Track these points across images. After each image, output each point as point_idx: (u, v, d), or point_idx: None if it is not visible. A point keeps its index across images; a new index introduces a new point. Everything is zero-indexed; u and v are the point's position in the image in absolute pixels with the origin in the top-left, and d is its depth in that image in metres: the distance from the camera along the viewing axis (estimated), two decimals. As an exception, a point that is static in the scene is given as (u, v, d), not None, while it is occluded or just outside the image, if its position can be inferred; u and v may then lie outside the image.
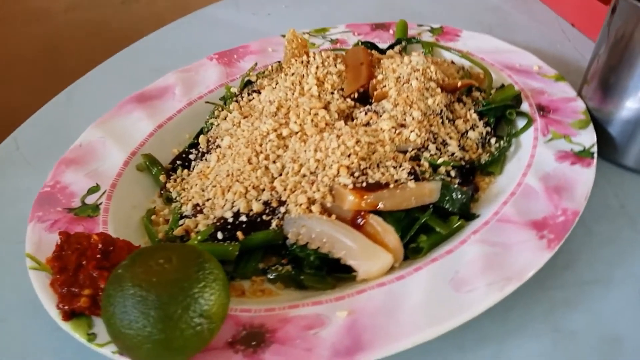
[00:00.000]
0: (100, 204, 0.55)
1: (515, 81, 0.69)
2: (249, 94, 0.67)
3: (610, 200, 0.59)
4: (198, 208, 0.54)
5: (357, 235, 0.49)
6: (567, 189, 0.54)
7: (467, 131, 0.62)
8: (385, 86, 0.63)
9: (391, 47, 0.77)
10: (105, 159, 0.60)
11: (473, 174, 0.59)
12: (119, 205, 0.56)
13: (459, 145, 0.60)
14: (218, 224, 0.51)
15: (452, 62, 0.73)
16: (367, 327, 0.43)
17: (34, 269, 0.48)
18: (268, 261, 0.52)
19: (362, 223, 0.50)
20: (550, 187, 0.54)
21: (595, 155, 0.57)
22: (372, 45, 0.77)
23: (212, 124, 0.64)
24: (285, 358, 0.41)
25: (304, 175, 0.54)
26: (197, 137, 0.65)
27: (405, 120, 0.59)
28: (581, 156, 0.57)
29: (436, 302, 0.44)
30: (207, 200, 0.54)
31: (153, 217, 0.56)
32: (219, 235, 0.51)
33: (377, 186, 0.51)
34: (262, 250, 0.52)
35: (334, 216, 0.50)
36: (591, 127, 0.61)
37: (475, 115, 0.63)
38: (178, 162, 0.62)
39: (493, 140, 0.62)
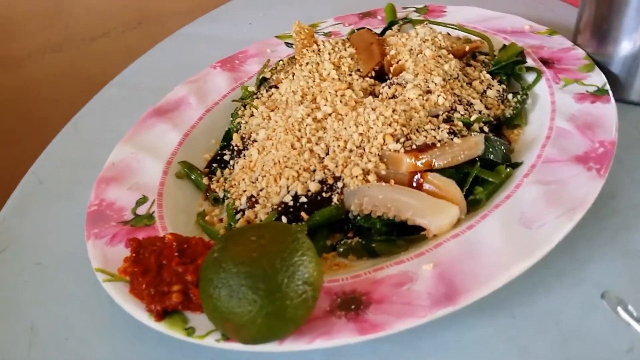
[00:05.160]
0: (153, 212, 0.55)
1: (512, 41, 0.72)
2: (267, 90, 0.68)
3: (630, 131, 0.62)
4: (253, 199, 0.54)
5: (420, 194, 0.50)
6: (596, 124, 0.56)
7: (485, 91, 0.64)
8: (400, 60, 0.65)
9: (385, 30, 0.79)
10: (143, 172, 0.60)
11: (501, 129, 0.62)
12: (170, 211, 0.56)
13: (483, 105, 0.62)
14: (280, 209, 0.52)
15: (449, 34, 0.76)
16: (457, 273, 0.44)
17: (108, 281, 0.47)
18: (333, 238, 0.53)
19: (420, 182, 0.51)
20: (581, 125, 0.57)
21: (610, 91, 0.60)
22: (369, 30, 0.79)
23: (239, 123, 0.65)
24: (388, 314, 0.42)
25: (351, 150, 0.55)
26: (224, 139, 0.66)
27: (428, 87, 0.61)
28: (598, 95, 0.60)
29: (512, 241, 0.46)
30: (261, 190, 0.54)
31: (207, 218, 0.56)
32: (283, 219, 0.51)
33: (427, 146, 0.53)
34: (326, 228, 0.52)
35: (392, 181, 0.51)
36: (597, 69, 0.64)
37: (488, 76, 0.66)
38: (214, 164, 0.62)
39: (510, 95, 0.65)
